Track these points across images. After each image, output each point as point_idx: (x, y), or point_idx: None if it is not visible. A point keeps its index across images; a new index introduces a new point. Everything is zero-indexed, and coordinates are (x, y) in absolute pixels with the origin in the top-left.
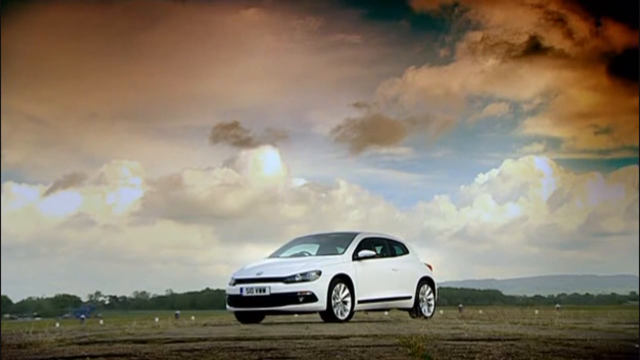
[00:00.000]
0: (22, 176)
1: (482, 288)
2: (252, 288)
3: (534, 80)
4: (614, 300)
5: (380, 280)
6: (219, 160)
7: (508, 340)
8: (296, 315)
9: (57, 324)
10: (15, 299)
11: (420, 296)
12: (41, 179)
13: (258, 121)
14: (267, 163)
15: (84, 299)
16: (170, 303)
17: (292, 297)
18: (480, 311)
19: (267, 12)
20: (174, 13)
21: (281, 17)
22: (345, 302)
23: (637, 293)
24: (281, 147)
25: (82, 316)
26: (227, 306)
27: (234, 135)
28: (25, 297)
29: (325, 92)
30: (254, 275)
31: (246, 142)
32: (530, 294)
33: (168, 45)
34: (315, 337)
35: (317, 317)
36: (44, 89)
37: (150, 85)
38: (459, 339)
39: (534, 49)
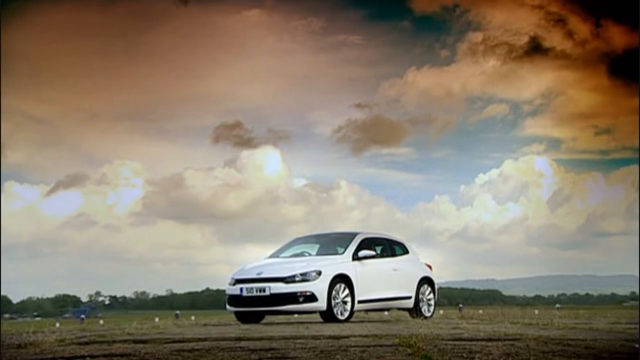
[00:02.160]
0: (23, 176)
1: (482, 288)
2: (252, 288)
3: (535, 81)
4: (614, 300)
5: (380, 280)
6: (220, 161)
7: (508, 340)
8: (296, 315)
9: (57, 324)
10: (15, 299)
11: (420, 296)
12: (43, 179)
13: (259, 121)
14: (268, 163)
15: (84, 299)
16: (170, 303)
17: (292, 297)
18: (480, 311)
19: (268, 13)
20: (176, 14)
21: (283, 18)
22: (345, 302)
23: (637, 293)
24: (282, 147)
25: (82, 316)
26: (227, 306)
27: (236, 136)
28: (25, 297)
29: (326, 93)
30: (254, 275)
31: (247, 143)
32: (530, 294)
33: (170, 46)
34: (315, 337)
35: (317, 317)
36: (45, 89)
37: (152, 85)
38: (459, 339)
39: (535, 49)
